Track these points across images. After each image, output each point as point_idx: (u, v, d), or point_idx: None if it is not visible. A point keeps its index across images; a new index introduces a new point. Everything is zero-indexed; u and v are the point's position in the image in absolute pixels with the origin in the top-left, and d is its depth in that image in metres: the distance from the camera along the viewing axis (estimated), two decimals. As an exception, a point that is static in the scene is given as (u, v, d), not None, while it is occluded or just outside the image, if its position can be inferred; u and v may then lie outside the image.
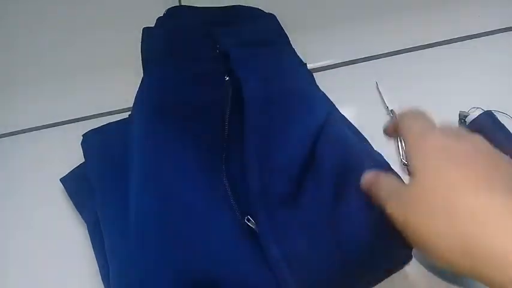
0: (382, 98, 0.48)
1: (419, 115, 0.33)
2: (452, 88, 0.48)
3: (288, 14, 0.54)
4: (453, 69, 0.49)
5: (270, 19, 0.48)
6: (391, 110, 0.47)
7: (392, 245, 0.33)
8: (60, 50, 0.54)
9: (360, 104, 0.48)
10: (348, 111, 0.47)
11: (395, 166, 0.44)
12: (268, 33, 0.46)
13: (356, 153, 0.37)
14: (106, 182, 0.41)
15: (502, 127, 0.44)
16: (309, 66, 0.49)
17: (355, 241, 0.34)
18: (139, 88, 0.42)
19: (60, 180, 0.44)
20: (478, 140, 0.30)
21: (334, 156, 0.36)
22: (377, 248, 0.34)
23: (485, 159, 0.28)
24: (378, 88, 0.48)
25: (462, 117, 0.46)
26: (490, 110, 0.45)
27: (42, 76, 0.52)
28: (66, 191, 0.44)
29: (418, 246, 0.28)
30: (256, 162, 0.37)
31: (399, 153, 0.45)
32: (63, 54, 0.54)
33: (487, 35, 0.52)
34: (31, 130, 0.49)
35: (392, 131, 0.36)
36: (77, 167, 0.44)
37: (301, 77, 0.44)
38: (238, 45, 0.43)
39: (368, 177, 0.34)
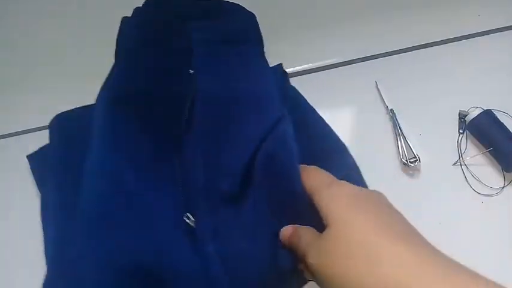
0: (382, 98, 0.48)
1: (318, 170, 0.36)
2: (451, 87, 0.48)
3: (287, 12, 0.54)
4: (453, 68, 0.49)
5: (248, 17, 0.48)
6: (391, 110, 0.46)
7: None
8: (63, 50, 0.54)
9: (358, 104, 0.48)
10: (346, 111, 0.47)
11: (395, 165, 0.44)
12: (241, 31, 0.46)
13: (289, 162, 0.36)
14: (62, 163, 0.42)
15: (502, 126, 0.43)
16: (307, 66, 0.50)
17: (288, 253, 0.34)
18: (107, 76, 0.42)
19: (27, 156, 0.45)
20: (376, 191, 0.32)
21: (268, 162, 0.36)
22: None
23: (387, 208, 0.30)
24: (377, 87, 0.48)
25: (462, 116, 0.46)
26: (490, 109, 0.45)
27: (44, 76, 0.52)
28: (30, 168, 0.45)
29: None
30: (201, 159, 0.37)
31: (399, 152, 0.44)
32: (65, 54, 0.53)
33: (487, 34, 0.51)
34: (35, 130, 0.49)
35: None
36: (44, 146, 0.45)
37: (262, 78, 0.43)
38: (206, 42, 0.44)
39: (285, 231, 0.34)
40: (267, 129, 0.38)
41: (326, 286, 0.29)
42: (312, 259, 0.30)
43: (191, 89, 0.41)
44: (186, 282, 0.34)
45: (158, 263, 0.34)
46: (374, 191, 0.32)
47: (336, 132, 0.46)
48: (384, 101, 0.47)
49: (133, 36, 0.44)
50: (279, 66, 0.48)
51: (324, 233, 0.30)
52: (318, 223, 0.31)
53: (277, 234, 0.34)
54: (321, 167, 0.39)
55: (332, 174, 0.39)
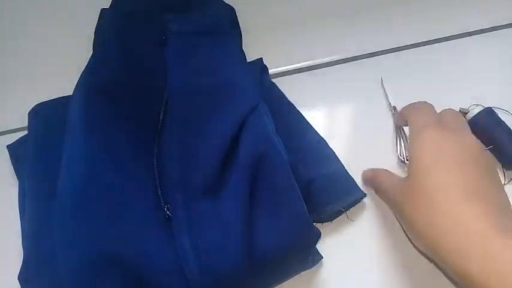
0: (386, 94, 0.47)
1: (424, 107, 0.39)
2: (452, 85, 0.48)
3: (289, 8, 0.53)
4: (454, 65, 0.49)
5: (227, 10, 0.48)
6: (394, 107, 0.46)
7: (304, 251, 0.37)
8: (59, 48, 0.54)
9: (362, 101, 0.48)
10: (347, 109, 0.47)
11: (393, 162, 0.44)
12: (218, 23, 0.46)
13: (273, 153, 0.37)
14: (39, 153, 0.42)
15: (502, 124, 0.43)
16: (311, 62, 0.50)
17: (265, 248, 0.35)
18: (85, 67, 0.42)
19: (7, 146, 0.45)
20: (473, 143, 0.35)
21: (252, 154, 0.37)
22: (288, 254, 0.36)
23: (474, 166, 0.33)
24: (382, 84, 0.48)
25: (462, 114, 0.45)
26: (490, 107, 0.44)
27: (39, 75, 0.52)
28: (10, 158, 0.45)
29: (406, 230, 0.37)
30: (177, 151, 0.38)
31: (397, 150, 0.44)
32: (60, 52, 0.53)
33: (488, 32, 0.51)
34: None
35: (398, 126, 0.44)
36: (24, 135, 0.45)
37: (238, 69, 0.44)
38: (182, 34, 0.44)
39: (367, 173, 0.42)
40: (241, 119, 0.39)
41: (402, 218, 0.36)
42: (393, 195, 0.37)
43: (166, 81, 0.41)
44: (160, 273, 0.34)
45: (132, 255, 0.34)
46: (468, 142, 0.35)
47: (335, 129, 0.46)
48: (387, 97, 0.47)
49: (110, 27, 0.45)
50: (259, 60, 0.49)
51: (406, 178, 0.36)
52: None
53: (252, 227, 0.35)
54: (300, 160, 0.40)
55: (312, 167, 0.41)
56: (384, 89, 0.48)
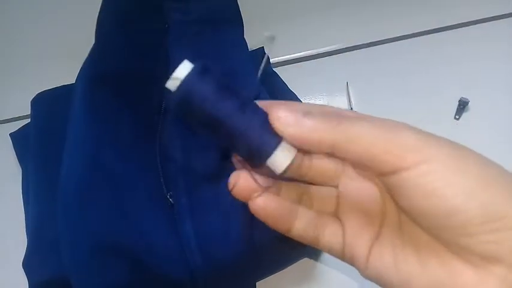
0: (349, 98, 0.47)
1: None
2: (452, 74, 0.48)
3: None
4: (454, 55, 0.49)
5: None
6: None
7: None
8: (62, 37, 0.54)
9: (363, 90, 0.48)
10: (350, 97, 0.47)
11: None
12: (220, 12, 0.46)
13: None
14: (42, 141, 0.42)
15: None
16: (313, 51, 0.50)
17: (266, 236, 0.35)
18: (88, 55, 0.42)
19: (10, 135, 0.46)
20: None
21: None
22: (288, 243, 0.35)
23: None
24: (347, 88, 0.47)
25: (462, 104, 0.46)
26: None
27: (41, 64, 0.52)
28: (13, 146, 0.45)
29: None
30: (179, 139, 0.38)
31: None
32: (63, 41, 0.53)
33: (488, 21, 0.51)
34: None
35: None
36: (26, 124, 0.45)
37: (239, 57, 0.44)
38: (183, 22, 0.44)
39: None
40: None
41: None
42: None
43: (168, 69, 0.41)
44: (163, 260, 0.35)
45: (135, 243, 0.34)
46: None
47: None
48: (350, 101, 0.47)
49: (112, 15, 0.45)
50: (261, 49, 0.49)
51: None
52: None
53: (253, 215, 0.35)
54: None
55: None
56: (348, 93, 0.47)
